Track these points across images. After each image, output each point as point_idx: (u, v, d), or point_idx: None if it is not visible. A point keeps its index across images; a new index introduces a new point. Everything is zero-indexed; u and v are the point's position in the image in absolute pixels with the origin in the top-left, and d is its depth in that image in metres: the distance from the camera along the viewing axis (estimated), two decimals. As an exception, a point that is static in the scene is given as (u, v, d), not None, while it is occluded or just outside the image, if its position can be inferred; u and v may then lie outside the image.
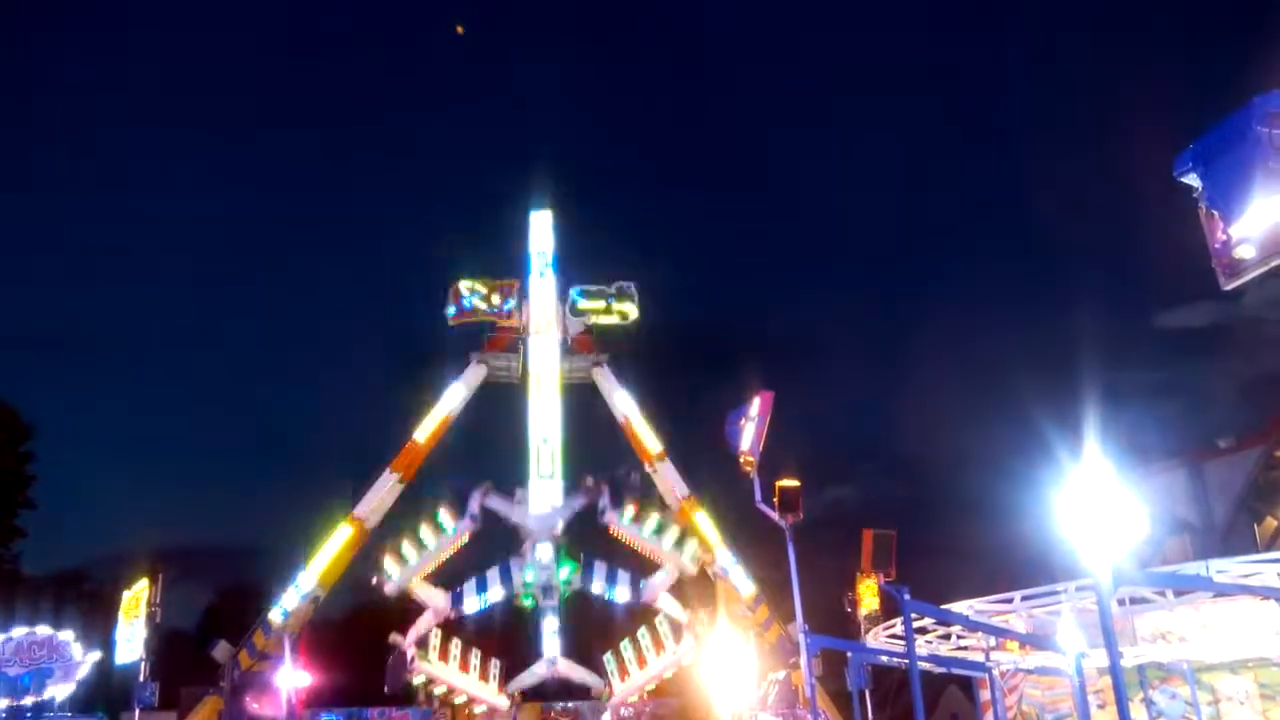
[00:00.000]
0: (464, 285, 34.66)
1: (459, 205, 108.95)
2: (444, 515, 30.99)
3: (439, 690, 31.48)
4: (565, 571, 31.17)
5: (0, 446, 41.20)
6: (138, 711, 29.07)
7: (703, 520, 32.96)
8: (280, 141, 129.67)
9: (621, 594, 31.53)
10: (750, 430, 23.32)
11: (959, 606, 22.19)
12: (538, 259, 35.45)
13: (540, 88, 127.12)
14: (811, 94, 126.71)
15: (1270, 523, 32.82)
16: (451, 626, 31.93)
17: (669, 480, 33.52)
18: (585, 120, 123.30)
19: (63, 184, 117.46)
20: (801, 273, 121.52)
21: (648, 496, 32.59)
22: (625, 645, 32.18)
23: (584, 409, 34.84)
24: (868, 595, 32.68)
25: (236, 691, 30.17)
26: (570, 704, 32.89)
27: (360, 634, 38.46)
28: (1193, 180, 9.33)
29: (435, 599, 30.97)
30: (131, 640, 30.04)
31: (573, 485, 32.53)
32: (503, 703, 31.65)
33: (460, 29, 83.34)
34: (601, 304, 34.93)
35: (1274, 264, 8.69)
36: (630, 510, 31.20)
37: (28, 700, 26.74)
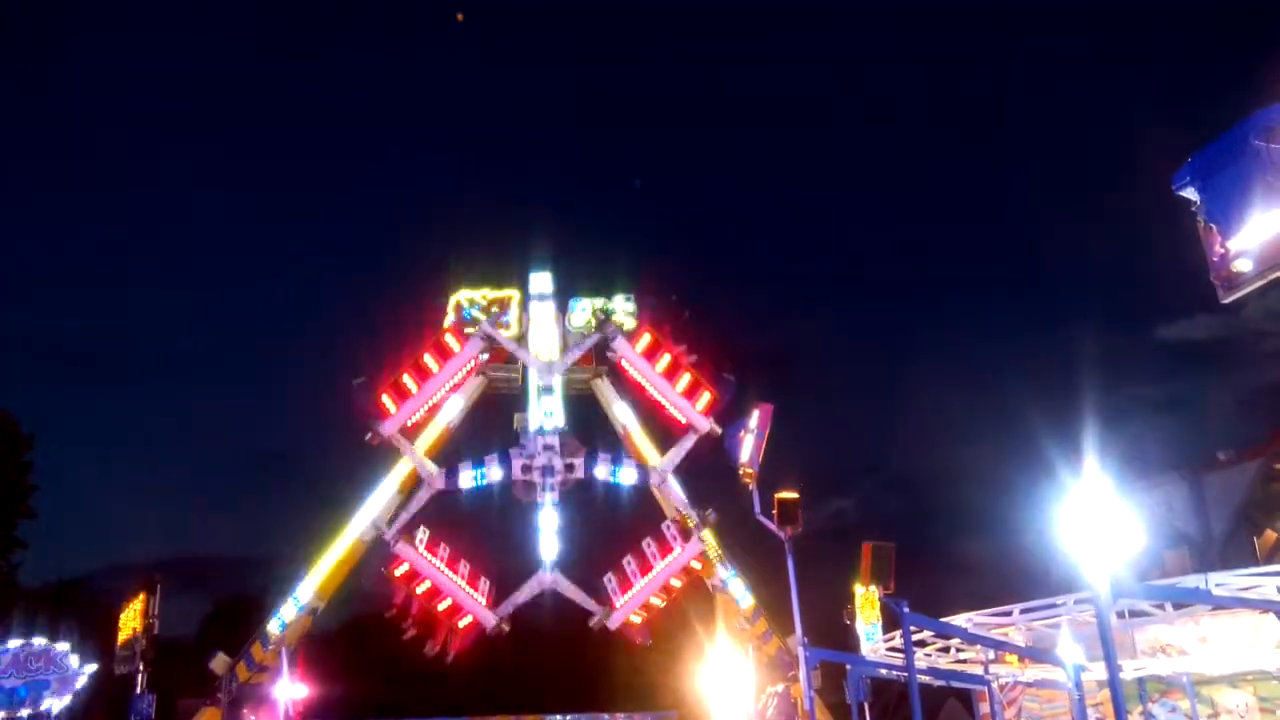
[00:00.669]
0: (464, 297, 34.52)
1: (459, 207, 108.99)
2: (450, 337, 30.23)
3: (421, 588, 28.55)
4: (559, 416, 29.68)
5: (0, 456, 41.13)
6: (134, 723, 28.96)
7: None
8: (281, 141, 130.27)
9: (627, 475, 29.89)
10: (750, 442, 23.38)
11: (958, 619, 22.12)
12: (536, 284, 34.66)
13: (541, 88, 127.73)
14: (810, 97, 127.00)
15: (1270, 535, 32.80)
16: (442, 529, 29.62)
17: (669, 492, 33.41)
18: (585, 121, 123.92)
19: (62, 186, 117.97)
20: (801, 284, 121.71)
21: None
22: (628, 560, 29.80)
23: (584, 424, 34.67)
24: (866, 608, 32.56)
25: (234, 703, 29.94)
26: (569, 716, 32.38)
27: (358, 647, 38.35)
28: (1191, 194, 9.39)
29: (429, 469, 29.51)
30: (129, 652, 29.92)
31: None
32: (489, 618, 28.87)
33: (460, 15, 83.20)
34: (601, 316, 34.80)
35: (1272, 277, 8.74)
36: (646, 338, 30.27)
37: (24, 712, 26.51)
